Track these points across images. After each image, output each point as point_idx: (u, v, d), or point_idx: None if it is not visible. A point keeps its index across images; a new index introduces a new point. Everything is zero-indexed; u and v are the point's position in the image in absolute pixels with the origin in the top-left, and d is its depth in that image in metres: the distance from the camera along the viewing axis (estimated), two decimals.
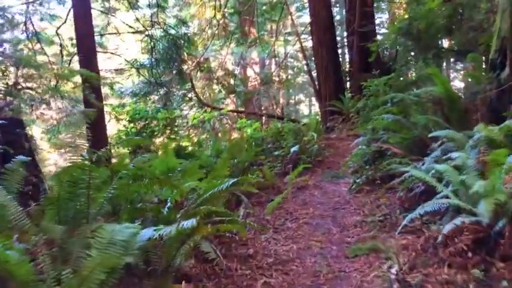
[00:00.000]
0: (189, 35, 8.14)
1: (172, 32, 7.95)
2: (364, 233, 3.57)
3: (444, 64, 10.60)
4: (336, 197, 4.98)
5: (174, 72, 7.40)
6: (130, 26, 8.62)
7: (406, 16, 7.15)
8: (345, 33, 16.66)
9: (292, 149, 6.70)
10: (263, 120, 14.33)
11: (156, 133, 7.39)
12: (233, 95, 16.70)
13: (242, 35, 16.26)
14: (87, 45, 7.57)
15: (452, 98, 4.10)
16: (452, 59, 8.16)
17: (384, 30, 15.36)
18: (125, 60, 9.65)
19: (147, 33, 7.26)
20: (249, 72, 21.15)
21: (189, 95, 11.96)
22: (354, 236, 3.59)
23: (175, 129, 7.60)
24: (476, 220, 2.54)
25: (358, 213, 4.10)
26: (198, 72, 13.81)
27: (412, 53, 9.56)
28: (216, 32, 15.88)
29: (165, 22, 7.43)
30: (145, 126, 7.25)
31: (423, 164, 3.67)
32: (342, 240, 3.56)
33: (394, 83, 7.36)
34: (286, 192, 4.35)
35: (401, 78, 7.14)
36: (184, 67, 13.40)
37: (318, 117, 12.99)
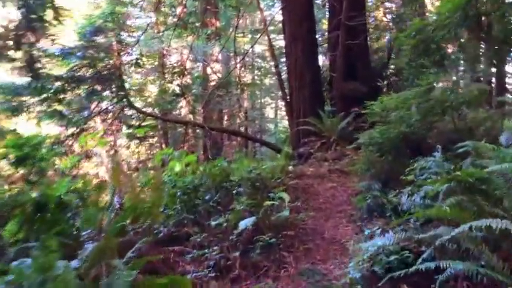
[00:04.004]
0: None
1: None
2: None
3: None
4: None
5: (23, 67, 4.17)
6: None
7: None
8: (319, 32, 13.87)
9: (243, 224, 3.57)
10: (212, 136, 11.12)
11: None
12: (186, 98, 13.49)
13: (201, 26, 13.22)
14: None
15: None
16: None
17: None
18: None
19: None
20: (211, 70, 17.92)
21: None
22: None
23: (41, 164, 4.21)
24: None
25: None
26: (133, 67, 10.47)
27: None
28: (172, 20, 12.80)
29: None
30: None
31: None
32: None
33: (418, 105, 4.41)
34: None
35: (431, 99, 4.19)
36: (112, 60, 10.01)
37: (286, 139, 9.92)
